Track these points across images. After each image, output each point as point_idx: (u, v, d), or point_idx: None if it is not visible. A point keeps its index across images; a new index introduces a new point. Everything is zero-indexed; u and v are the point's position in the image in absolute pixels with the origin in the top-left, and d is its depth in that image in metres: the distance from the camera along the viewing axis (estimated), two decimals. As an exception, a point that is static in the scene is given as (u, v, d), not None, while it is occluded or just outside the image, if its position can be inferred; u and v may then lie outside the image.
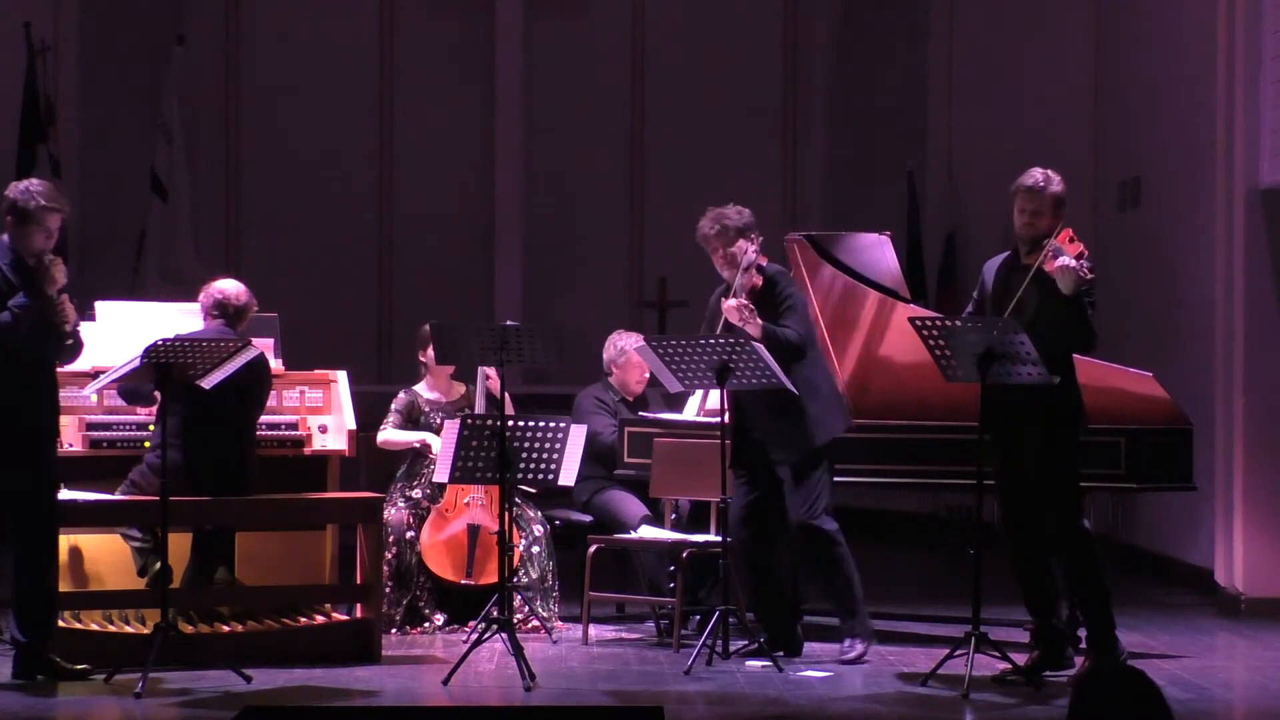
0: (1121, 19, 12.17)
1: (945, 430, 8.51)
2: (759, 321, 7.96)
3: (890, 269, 8.87)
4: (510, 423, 7.83)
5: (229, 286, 8.19)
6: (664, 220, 14.63)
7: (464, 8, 14.99)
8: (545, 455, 7.86)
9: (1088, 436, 7.84)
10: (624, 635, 8.97)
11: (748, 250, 8.09)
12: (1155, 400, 8.58)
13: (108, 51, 13.73)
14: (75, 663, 7.55)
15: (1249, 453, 9.85)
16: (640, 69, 15.18)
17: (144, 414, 8.24)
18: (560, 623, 9.04)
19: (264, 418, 8.30)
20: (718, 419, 8.07)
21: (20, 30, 12.51)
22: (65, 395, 7.88)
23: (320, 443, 8.59)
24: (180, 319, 8.35)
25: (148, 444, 8.10)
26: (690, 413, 9.10)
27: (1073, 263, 7.35)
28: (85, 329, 8.07)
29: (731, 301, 8.01)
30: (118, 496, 7.96)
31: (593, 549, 8.74)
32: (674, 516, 8.99)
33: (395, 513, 8.97)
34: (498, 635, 7.74)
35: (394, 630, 8.77)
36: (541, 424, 7.89)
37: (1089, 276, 7.35)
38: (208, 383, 7.61)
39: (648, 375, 9.11)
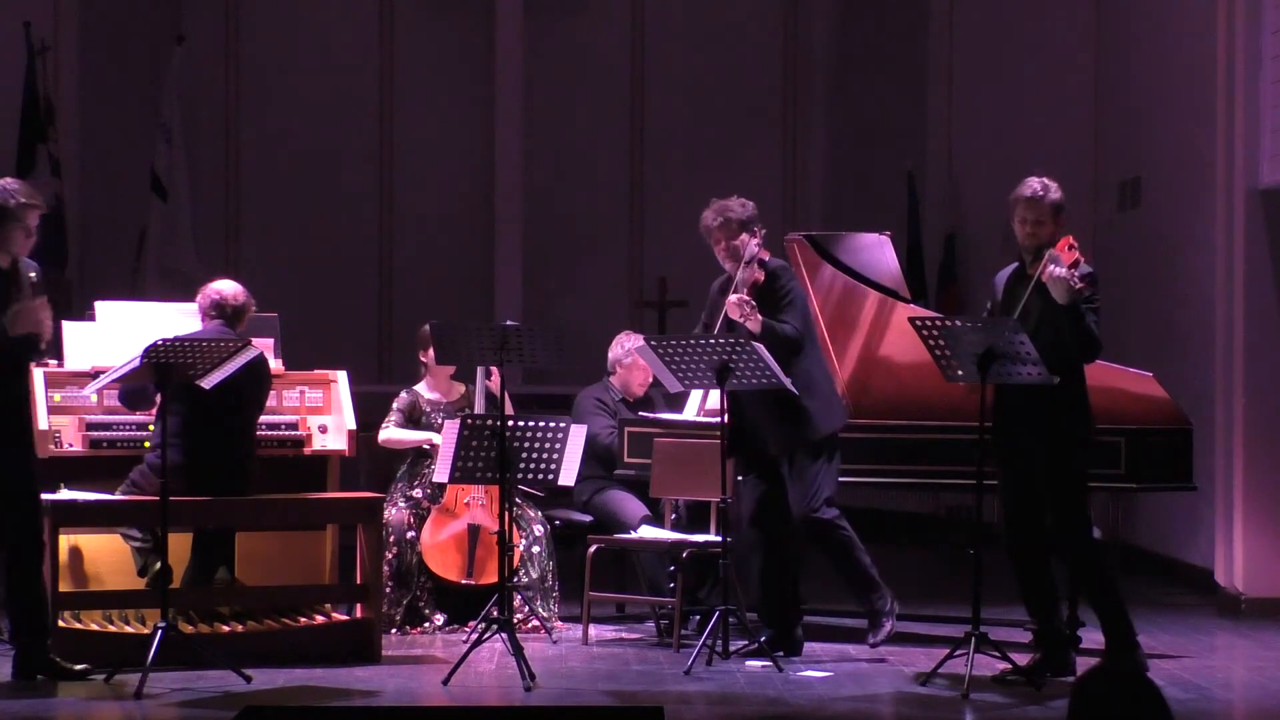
0: (1121, 19, 12.16)
1: (945, 430, 8.51)
2: (759, 318, 7.96)
3: (890, 269, 8.87)
4: (510, 423, 7.83)
5: (226, 287, 8.17)
6: (664, 220, 14.63)
7: (464, 8, 14.98)
8: (545, 455, 7.86)
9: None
10: (624, 635, 8.97)
11: (750, 244, 8.09)
12: (1155, 400, 8.58)
13: (108, 51, 13.72)
14: (75, 663, 7.54)
15: (1249, 453, 9.85)
16: (640, 69, 15.18)
17: (144, 414, 8.24)
18: (560, 623, 9.03)
19: (264, 418, 8.30)
20: (718, 419, 8.06)
21: (20, 30, 12.49)
22: (65, 395, 7.87)
23: (320, 443, 8.59)
24: (180, 319, 8.33)
25: (148, 444, 8.09)
26: (690, 413, 9.10)
27: (1063, 272, 7.31)
28: (85, 329, 8.06)
29: (733, 297, 8.00)
30: (118, 496, 7.96)
31: (593, 549, 8.74)
32: (674, 516, 8.99)
33: (395, 513, 8.97)
34: (498, 635, 7.73)
35: (394, 630, 8.77)
36: (541, 424, 7.88)
37: (1079, 286, 7.33)
38: (208, 383, 7.60)
39: (651, 379, 9.10)
